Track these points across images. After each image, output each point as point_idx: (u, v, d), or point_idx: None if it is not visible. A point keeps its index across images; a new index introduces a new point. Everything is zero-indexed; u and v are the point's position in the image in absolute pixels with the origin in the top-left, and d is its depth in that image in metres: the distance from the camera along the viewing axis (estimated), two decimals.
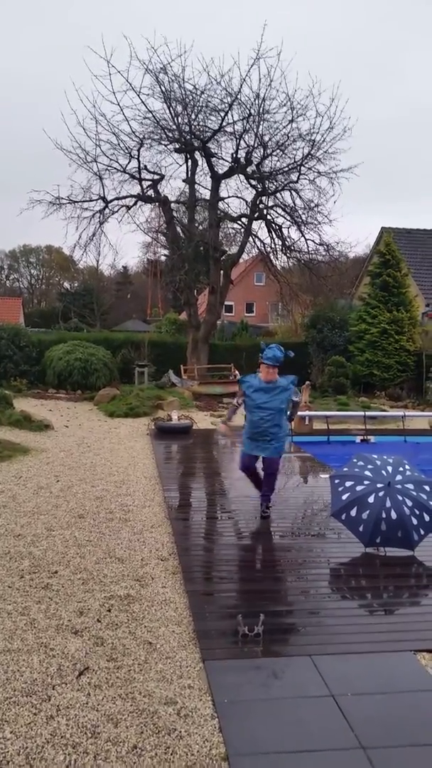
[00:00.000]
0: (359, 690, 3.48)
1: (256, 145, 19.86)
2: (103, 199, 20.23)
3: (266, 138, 19.69)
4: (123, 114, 18.95)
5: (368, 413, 15.16)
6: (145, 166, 20.21)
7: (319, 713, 3.27)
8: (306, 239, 20.96)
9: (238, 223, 22.34)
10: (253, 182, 20.85)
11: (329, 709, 3.31)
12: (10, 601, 4.62)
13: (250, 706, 3.32)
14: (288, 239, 21.42)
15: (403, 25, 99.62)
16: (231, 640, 4.02)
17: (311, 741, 3.04)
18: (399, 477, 5.78)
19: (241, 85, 18.65)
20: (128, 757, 2.91)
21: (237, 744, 3.01)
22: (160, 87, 19.06)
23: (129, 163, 19.81)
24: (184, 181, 21.30)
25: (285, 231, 21.39)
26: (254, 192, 20.95)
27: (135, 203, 20.89)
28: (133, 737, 3.04)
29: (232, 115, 19.26)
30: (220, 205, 21.60)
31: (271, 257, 22.07)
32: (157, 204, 21.27)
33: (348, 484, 5.90)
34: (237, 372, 18.73)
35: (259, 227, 21.96)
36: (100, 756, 2.91)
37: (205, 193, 21.57)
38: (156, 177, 20.69)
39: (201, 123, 19.81)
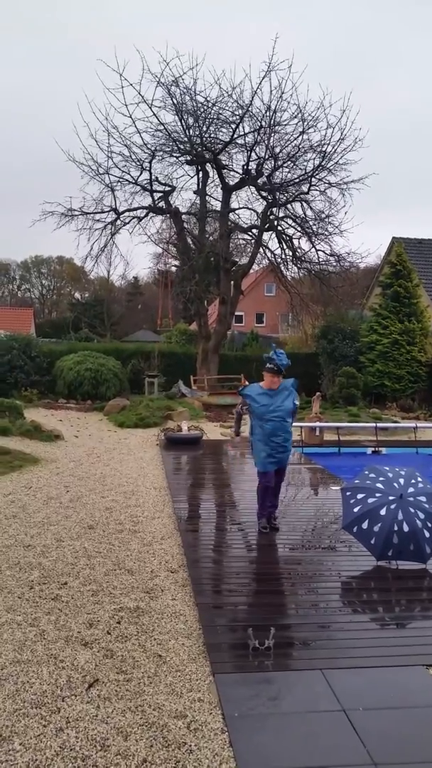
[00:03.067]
0: (371, 705, 3.44)
1: (267, 156, 19.98)
2: (115, 210, 20.39)
3: (277, 150, 19.81)
4: (135, 126, 19.17)
5: (379, 424, 15.10)
6: (157, 177, 20.38)
7: (330, 728, 3.24)
8: (317, 250, 21.03)
9: (249, 234, 22.43)
10: (264, 193, 20.95)
11: (340, 723, 3.27)
12: (20, 612, 4.62)
13: (261, 720, 3.29)
14: (299, 250, 21.49)
15: (406, 20, 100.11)
16: (241, 654, 4.00)
17: (322, 756, 3.01)
18: (411, 489, 5.74)
19: (252, 98, 18.81)
20: None
21: (247, 758, 2.98)
22: (172, 99, 19.26)
23: (141, 175, 20.01)
24: (195, 192, 21.46)
25: (295, 242, 21.49)
26: (265, 203, 21.05)
27: (146, 215, 21.05)
28: (143, 751, 3.02)
29: (243, 127, 19.42)
30: (231, 216, 21.71)
31: (282, 268, 22.12)
32: (168, 215, 21.40)
33: (359, 496, 5.86)
34: (247, 382, 18.72)
35: (269, 238, 22.06)
36: None
37: (216, 205, 21.72)
38: (167, 189, 20.84)
39: (212, 135, 19.98)
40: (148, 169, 19.84)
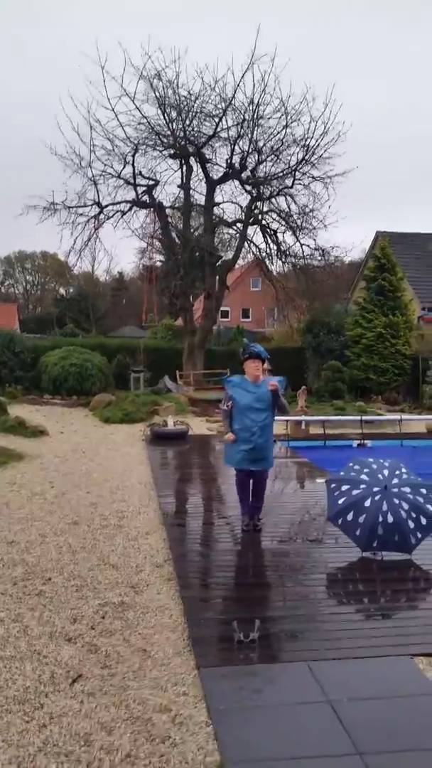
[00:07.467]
0: (356, 695, 3.44)
1: (250, 150, 19.98)
2: (98, 204, 20.27)
3: (261, 143, 19.82)
4: (117, 120, 19.06)
5: (365, 417, 15.16)
6: (140, 171, 20.30)
7: (316, 719, 3.23)
8: (301, 244, 21.09)
9: (234, 229, 22.44)
10: (248, 187, 20.93)
11: (326, 714, 3.26)
12: (3, 608, 4.57)
13: (246, 713, 3.27)
14: (283, 244, 21.53)
15: (401, 17, 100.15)
16: (226, 647, 3.98)
17: (307, 747, 3.00)
18: (396, 480, 5.75)
19: (235, 91, 18.79)
20: (122, 765, 2.86)
21: (232, 751, 2.96)
22: (155, 93, 19.18)
23: (123, 168, 19.92)
24: (179, 186, 21.39)
25: (280, 236, 21.53)
26: (249, 197, 21.04)
27: (130, 209, 20.96)
28: (127, 745, 3.00)
29: (226, 121, 19.39)
30: (215, 210, 21.68)
31: (267, 262, 22.14)
32: (152, 209, 21.33)
33: (344, 488, 5.86)
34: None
35: (254, 232, 22.07)
36: (93, 764, 2.86)
37: (200, 199, 21.67)
38: (151, 182, 20.76)
39: (195, 129, 19.92)
40: (131, 162, 19.78)
